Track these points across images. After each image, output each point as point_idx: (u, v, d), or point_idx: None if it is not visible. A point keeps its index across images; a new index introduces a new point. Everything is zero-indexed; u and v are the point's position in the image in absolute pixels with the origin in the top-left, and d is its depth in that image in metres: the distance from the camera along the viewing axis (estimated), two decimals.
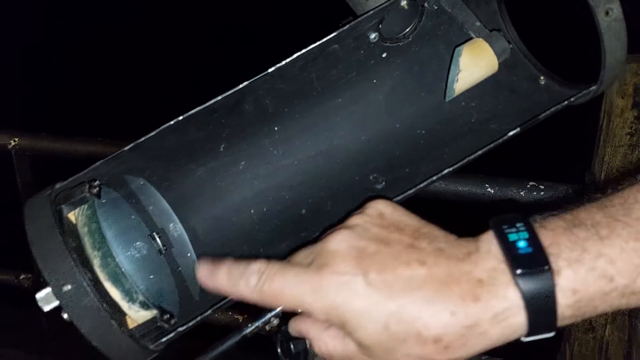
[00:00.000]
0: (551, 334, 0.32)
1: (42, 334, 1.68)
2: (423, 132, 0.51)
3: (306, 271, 0.34)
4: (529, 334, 0.32)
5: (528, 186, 1.09)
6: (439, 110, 0.52)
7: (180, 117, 0.44)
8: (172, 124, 0.44)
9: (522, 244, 0.32)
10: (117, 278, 0.39)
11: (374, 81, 0.51)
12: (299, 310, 0.36)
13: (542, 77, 0.50)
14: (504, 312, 0.31)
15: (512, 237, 0.32)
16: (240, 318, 1.31)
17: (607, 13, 0.39)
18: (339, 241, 0.34)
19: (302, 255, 0.36)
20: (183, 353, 0.49)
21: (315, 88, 0.50)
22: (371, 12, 0.44)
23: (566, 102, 0.44)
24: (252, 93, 0.46)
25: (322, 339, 0.36)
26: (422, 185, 0.43)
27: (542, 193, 1.09)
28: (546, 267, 0.31)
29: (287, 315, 0.48)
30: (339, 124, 0.52)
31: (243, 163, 0.50)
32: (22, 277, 1.61)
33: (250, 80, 0.44)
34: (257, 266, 0.36)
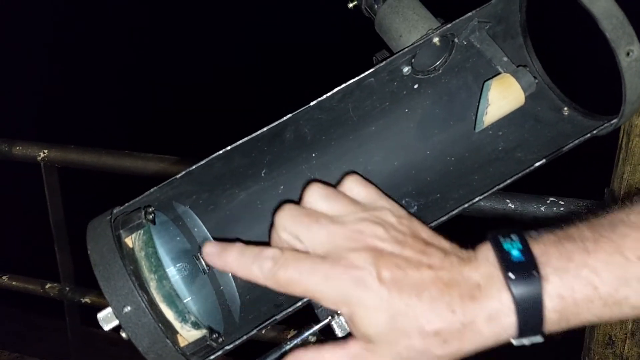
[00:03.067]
0: (540, 339, 0.36)
1: (67, 344, 1.71)
2: (452, 159, 0.54)
3: (322, 262, 0.36)
4: (519, 336, 0.35)
5: (548, 202, 1.11)
6: (468, 139, 0.54)
7: (229, 147, 0.47)
8: (220, 153, 0.47)
9: (515, 252, 0.35)
10: (172, 300, 0.42)
11: (406, 110, 0.54)
12: (308, 299, 0.38)
13: (565, 108, 0.53)
14: (497, 312, 0.34)
15: (506, 246, 0.36)
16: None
17: (627, 54, 0.41)
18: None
19: (318, 244, 0.38)
20: None
21: (351, 117, 0.53)
22: (406, 49, 0.47)
23: (589, 135, 0.47)
24: (293, 123, 0.49)
25: (322, 356, 0.38)
26: (454, 212, 0.46)
27: (562, 209, 1.11)
28: (535, 274, 0.34)
29: (324, 332, 0.51)
30: (373, 151, 0.54)
31: (282, 187, 0.53)
32: (47, 286, 1.65)
33: (293, 113, 0.47)
34: (272, 252, 0.38)
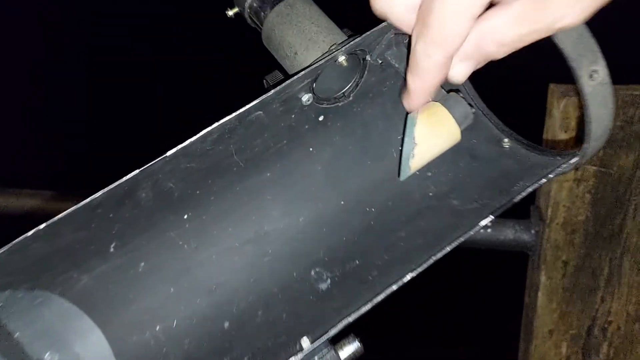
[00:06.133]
0: None
1: None
2: (372, 209, 0.42)
3: None
4: None
5: None
6: (390, 183, 0.42)
7: (50, 221, 0.32)
8: (38, 230, 0.32)
9: None
10: None
11: (310, 149, 0.41)
12: None
13: (506, 140, 0.42)
14: None
15: None
16: None
17: (591, 76, 0.31)
18: None
19: None
20: None
21: (235, 163, 0.39)
22: (302, 72, 0.34)
23: (544, 180, 0.36)
24: (148, 178, 0.35)
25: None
26: (379, 297, 0.33)
27: (489, 230, 1.05)
28: None
29: None
30: (269, 205, 0.41)
31: (143, 264, 0.39)
32: None
33: (143, 168, 0.32)
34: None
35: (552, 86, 1.01)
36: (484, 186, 0.41)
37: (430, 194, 0.42)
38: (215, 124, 0.34)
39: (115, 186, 0.32)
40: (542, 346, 1.09)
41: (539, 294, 1.08)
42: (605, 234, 1.00)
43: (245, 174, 0.40)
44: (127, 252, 0.38)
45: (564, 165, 0.36)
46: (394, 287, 0.33)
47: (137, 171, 0.32)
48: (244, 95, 0.37)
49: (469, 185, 0.41)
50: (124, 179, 0.32)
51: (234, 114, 0.35)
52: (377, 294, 0.33)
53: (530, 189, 0.36)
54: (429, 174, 0.42)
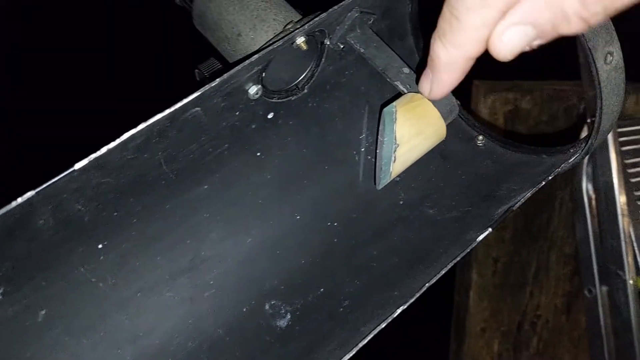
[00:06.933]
0: None
1: None
2: (335, 224, 0.35)
3: None
4: None
5: None
6: (353, 191, 0.36)
7: None
8: None
9: None
10: None
11: (258, 154, 0.34)
12: None
13: (480, 137, 0.38)
14: None
15: None
16: None
17: (606, 59, 0.26)
18: None
19: None
20: None
21: (164, 174, 0.31)
22: (252, 57, 0.27)
23: (543, 183, 0.31)
24: (48, 201, 0.26)
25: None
26: (365, 340, 0.26)
27: None
28: None
29: None
30: (208, 225, 0.33)
31: (43, 313, 0.29)
32: None
33: (36, 190, 0.23)
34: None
35: (476, 82, 1.00)
36: (461, 191, 0.35)
37: (401, 202, 0.36)
38: (141, 126, 0.26)
39: (1, 215, 0.23)
40: (475, 345, 1.09)
41: (471, 292, 1.07)
42: (534, 229, 1.02)
43: (177, 187, 0.32)
44: (21, 298, 0.28)
45: (564, 165, 0.32)
46: (383, 325, 0.26)
47: (31, 193, 0.23)
48: (170, 91, 0.29)
49: (443, 191, 0.36)
50: (13, 204, 0.23)
51: (164, 113, 0.26)
52: (363, 336, 0.26)
53: (528, 194, 0.31)
54: (397, 179, 0.36)
